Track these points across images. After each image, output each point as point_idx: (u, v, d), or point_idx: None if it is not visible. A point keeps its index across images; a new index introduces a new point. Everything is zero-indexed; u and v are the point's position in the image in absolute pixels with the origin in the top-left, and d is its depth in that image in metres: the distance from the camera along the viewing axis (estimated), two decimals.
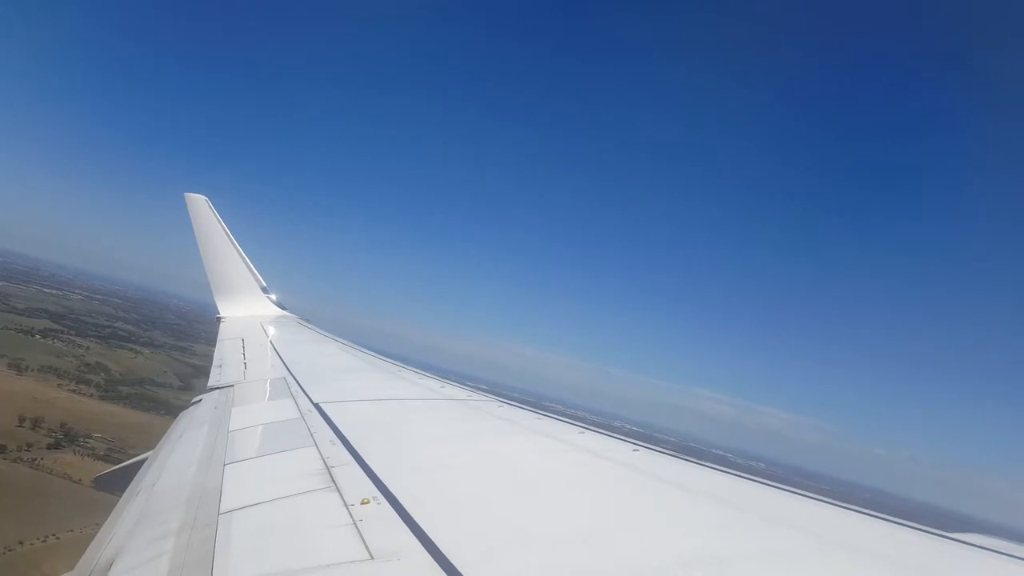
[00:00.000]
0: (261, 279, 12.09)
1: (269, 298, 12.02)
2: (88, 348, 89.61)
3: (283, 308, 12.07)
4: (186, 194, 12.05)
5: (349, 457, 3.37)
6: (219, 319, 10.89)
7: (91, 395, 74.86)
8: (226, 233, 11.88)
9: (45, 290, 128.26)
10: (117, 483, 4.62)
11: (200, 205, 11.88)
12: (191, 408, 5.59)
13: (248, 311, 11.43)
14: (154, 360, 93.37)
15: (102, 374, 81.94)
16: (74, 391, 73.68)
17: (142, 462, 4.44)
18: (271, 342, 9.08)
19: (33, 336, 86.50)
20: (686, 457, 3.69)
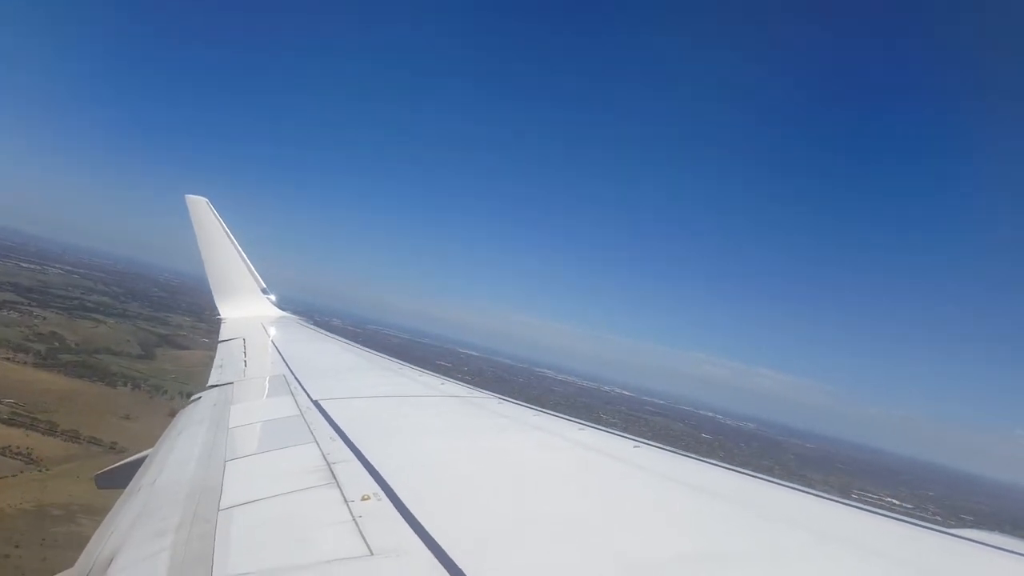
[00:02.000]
0: (261, 280, 12.12)
1: (269, 299, 12.08)
2: (45, 319, 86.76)
3: (283, 309, 12.12)
4: (186, 196, 12.00)
5: (349, 454, 3.36)
6: (220, 320, 10.94)
7: (25, 362, 72.53)
8: (227, 235, 11.86)
9: (22, 264, 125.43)
10: (118, 480, 4.62)
11: (200, 207, 11.84)
12: (190, 405, 5.58)
13: (248, 312, 11.47)
14: (118, 330, 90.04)
15: (55, 343, 79.47)
16: (8, 359, 71.40)
17: (142, 459, 4.43)
18: (271, 341, 9.11)
19: None
20: (687, 454, 3.70)
